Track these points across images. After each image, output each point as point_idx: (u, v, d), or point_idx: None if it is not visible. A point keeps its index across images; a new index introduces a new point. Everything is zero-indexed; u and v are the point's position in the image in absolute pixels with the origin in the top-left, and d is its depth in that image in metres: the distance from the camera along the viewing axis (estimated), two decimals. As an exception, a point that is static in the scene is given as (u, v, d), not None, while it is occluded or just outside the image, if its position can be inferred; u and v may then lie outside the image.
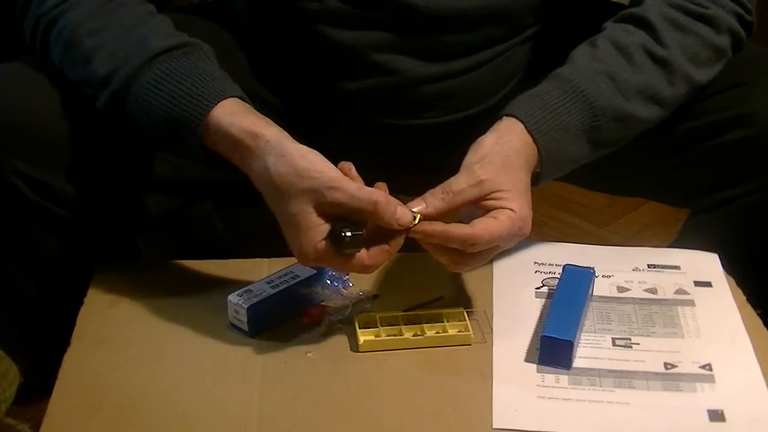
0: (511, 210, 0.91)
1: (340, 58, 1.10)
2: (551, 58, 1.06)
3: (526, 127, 0.97)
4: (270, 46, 1.14)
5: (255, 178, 0.91)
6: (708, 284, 1.04)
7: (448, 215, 0.92)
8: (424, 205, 0.91)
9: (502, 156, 0.94)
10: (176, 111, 0.93)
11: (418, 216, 0.90)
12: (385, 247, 0.90)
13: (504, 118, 0.98)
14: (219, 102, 0.92)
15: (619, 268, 1.06)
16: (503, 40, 1.13)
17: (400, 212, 0.89)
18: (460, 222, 0.92)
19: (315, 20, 1.07)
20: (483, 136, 0.96)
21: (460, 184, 0.92)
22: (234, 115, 0.92)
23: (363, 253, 0.89)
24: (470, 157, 0.94)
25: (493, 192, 0.92)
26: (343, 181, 0.88)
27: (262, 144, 0.90)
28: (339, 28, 1.07)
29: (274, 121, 0.93)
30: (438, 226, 0.90)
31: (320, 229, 0.88)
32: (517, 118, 0.97)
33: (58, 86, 1.00)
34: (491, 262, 1.05)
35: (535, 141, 0.97)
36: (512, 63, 1.16)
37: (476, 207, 0.92)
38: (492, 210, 0.91)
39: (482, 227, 0.90)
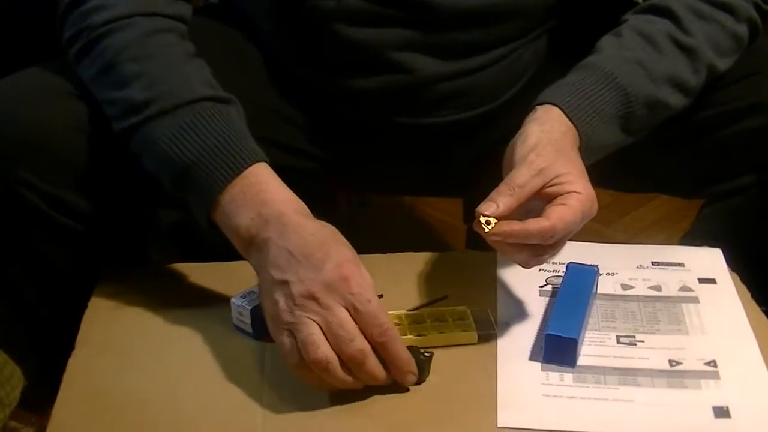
0: (577, 192, 0.90)
1: (356, 57, 1.09)
2: (560, 54, 1.06)
3: (564, 113, 0.97)
4: (284, 45, 1.13)
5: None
6: (712, 281, 1.04)
7: (518, 212, 0.90)
8: (495, 206, 0.88)
9: (552, 141, 0.93)
10: (205, 159, 0.90)
11: (493, 220, 0.88)
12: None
13: (538, 107, 0.98)
14: (250, 165, 0.91)
15: (623, 265, 1.06)
16: (517, 37, 1.13)
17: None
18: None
19: (331, 18, 1.06)
20: (524, 127, 0.96)
21: (522, 177, 0.90)
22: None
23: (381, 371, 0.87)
24: (521, 149, 0.93)
25: (554, 177, 0.91)
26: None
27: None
28: (356, 26, 1.07)
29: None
30: (516, 225, 0.88)
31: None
32: (554, 104, 0.97)
33: (70, 99, 0.98)
34: (495, 261, 1.05)
35: (575, 126, 0.97)
36: (524, 60, 1.16)
37: (537, 197, 0.91)
38: (555, 197, 0.90)
39: (557, 216, 0.88)
